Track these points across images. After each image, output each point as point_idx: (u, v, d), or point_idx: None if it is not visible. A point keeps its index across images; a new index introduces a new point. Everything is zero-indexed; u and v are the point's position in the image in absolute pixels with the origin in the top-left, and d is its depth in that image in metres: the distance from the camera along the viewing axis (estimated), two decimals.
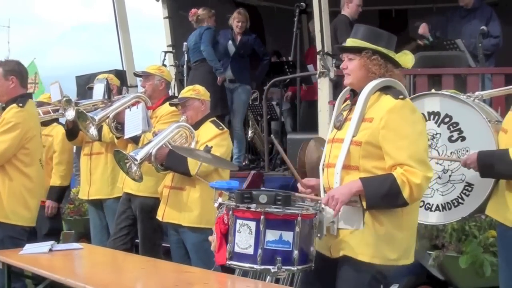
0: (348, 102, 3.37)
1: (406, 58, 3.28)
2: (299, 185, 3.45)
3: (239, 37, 7.41)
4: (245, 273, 5.53)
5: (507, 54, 6.57)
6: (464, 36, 6.62)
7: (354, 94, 3.32)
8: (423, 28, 6.83)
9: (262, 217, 3.05)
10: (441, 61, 6.17)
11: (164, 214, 4.82)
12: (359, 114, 3.17)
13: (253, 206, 3.09)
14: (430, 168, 3.14)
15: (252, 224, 3.08)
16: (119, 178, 5.40)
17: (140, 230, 5.22)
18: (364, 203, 3.10)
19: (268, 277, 4.11)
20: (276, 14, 9.65)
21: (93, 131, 5.17)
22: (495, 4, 7.68)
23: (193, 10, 7.61)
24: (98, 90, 5.44)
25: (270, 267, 3.05)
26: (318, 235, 3.17)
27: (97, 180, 5.72)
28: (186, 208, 4.69)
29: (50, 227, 6.02)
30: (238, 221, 3.12)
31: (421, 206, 3.91)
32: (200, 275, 3.71)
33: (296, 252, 3.06)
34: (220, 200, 3.32)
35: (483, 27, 6.23)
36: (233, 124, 7.36)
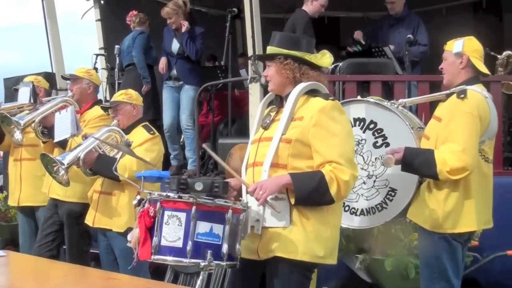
0: (273, 105, 3.45)
1: (324, 59, 3.35)
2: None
3: (180, 36, 7.12)
4: (176, 276, 5.53)
5: (433, 62, 6.77)
6: (393, 44, 6.79)
7: (280, 98, 3.40)
8: (357, 34, 7.00)
9: (194, 207, 2.98)
10: (369, 68, 6.30)
11: (95, 219, 4.76)
12: (289, 114, 3.23)
13: (185, 197, 3.01)
14: (357, 167, 3.27)
15: (182, 216, 3.00)
16: (44, 184, 5.29)
17: (67, 236, 5.12)
18: (292, 199, 3.13)
19: (199, 281, 4.10)
20: (210, 18, 9.65)
21: (18, 135, 5.06)
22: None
23: (133, 12, 7.53)
24: (24, 93, 5.31)
25: (200, 261, 2.98)
26: (242, 234, 3.15)
27: (28, 187, 5.57)
28: (115, 213, 4.65)
29: None
30: (167, 213, 3.02)
31: (346, 211, 4.00)
32: (128, 282, 3.66)
33: (225, 246, 3.02)
34: (138, 197, 3.21)
35: (409, 36, 6.41)
36: (181, 124, 7.16)
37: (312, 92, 3.29)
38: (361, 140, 4.00)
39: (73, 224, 5.09)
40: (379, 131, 3.97)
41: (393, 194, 3.90)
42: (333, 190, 3.08)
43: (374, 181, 3.95)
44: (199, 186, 3.01)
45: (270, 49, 3.36)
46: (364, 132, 4.00)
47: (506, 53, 6.51)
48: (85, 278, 3.69)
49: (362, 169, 3.98)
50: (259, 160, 3.27)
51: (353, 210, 4.01)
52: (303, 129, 3.18)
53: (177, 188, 3.03)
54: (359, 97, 4.36)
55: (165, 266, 5.35)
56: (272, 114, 3.40)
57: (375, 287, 5.14)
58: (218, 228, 3.02)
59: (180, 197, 3.02)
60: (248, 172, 3.35)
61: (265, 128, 3.36)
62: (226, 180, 3.30)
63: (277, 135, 3.21)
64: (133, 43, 7.28)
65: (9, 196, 5.87)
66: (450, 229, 3.67)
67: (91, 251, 5.37)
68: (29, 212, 5.66)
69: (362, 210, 3.98)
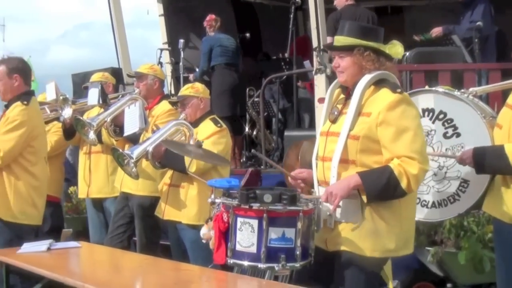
0: (342, 95, 3.38)
1: (396, 49, 3.28)
2: (289, 179, 3.49)
3: None
4: (243, 271, 5.55)
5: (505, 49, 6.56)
6: (462, 30, 6.59)
7: (345, 88, 3.33)
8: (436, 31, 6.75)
9: (265, 215, 3.05)
10: (437, 56, 6.18)
11: (165, 211, 4.83)
12: (355, 108, 3.18)
13: (255, 205, 3.07)
14: (428, 161, 3.19)
15: (255, 222, 3.08)
16: (116, 178, 5.38)
17: (138, 227, 5.21)
18: (364, 197, 3.11)
19: (267, 274, 4.11)
20: (272, 11, 9.65)
21: (92, 136, 5.16)
22: None
23: (212, 16, 7.65)
24: (93, 94, 5.40)
25: (274, 264, 3.06)
26: (315, 228, 3.18)
27: (98, 179, 5.67)
28: (185, 205, 4.69)
29: (51, 225, 5.98)
30: (239, 219, 3.11)
31: (417, 203, 3.92)
32: (199, 273, 3.71)
33: (299, 248, 3.08)
34: (213, 196, 3.31)
35: (479, 23, 6.20)
36: None
37: (379, 82, 3.22)
38: (431, 131, 3.91)
39: (143, 216, 5.16)
40: (449, 121, 3.86)
41: (465, 185, 3.80)
42: (404, 184, 3.05)
43: (445, 173, 3.85)
44: (268, 198, 3.06)
45: (344, 39, 3.25)
46: (433, 122, 3.90)
47: None
48: (158, 269, 3.76)
49: (433, 160, 3.89)
50: (328, 156, 3.26)
51: (424, 202, 3.91)
52: (371, 125, 3.13)
53: (246, 203, 3.09)
54: (427, 87, 4.27)
55: None
56: (339, 106, 3.34)
57: (447, 280, 5.04)
58: (290, 232, 3.08)
59: (250, 206, 3.08)
60: (319, 165, 3.34)
61: (333, 121, 3.32)
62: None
63: (344, 131, 3.18)
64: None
65: (79, 189, 5.97)
66: None
67: (161, 243, 5.45)
68: (98, 204, 5.78)
69: (433, 202, 3.89)
